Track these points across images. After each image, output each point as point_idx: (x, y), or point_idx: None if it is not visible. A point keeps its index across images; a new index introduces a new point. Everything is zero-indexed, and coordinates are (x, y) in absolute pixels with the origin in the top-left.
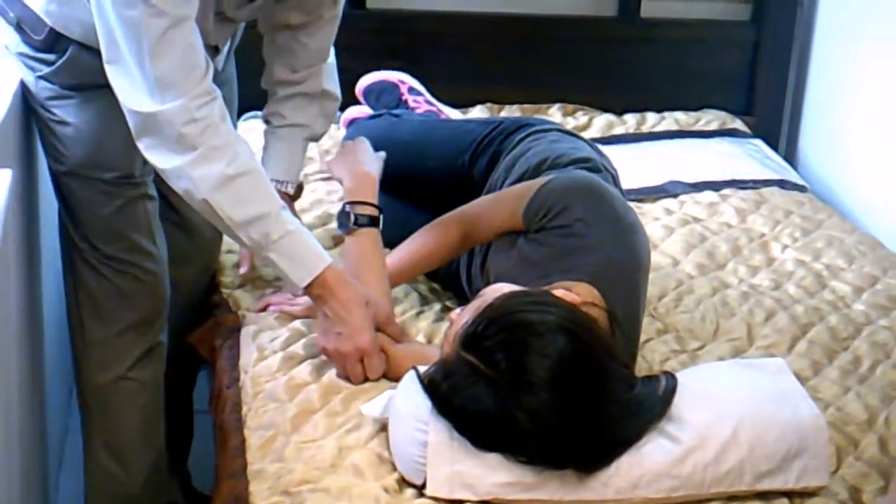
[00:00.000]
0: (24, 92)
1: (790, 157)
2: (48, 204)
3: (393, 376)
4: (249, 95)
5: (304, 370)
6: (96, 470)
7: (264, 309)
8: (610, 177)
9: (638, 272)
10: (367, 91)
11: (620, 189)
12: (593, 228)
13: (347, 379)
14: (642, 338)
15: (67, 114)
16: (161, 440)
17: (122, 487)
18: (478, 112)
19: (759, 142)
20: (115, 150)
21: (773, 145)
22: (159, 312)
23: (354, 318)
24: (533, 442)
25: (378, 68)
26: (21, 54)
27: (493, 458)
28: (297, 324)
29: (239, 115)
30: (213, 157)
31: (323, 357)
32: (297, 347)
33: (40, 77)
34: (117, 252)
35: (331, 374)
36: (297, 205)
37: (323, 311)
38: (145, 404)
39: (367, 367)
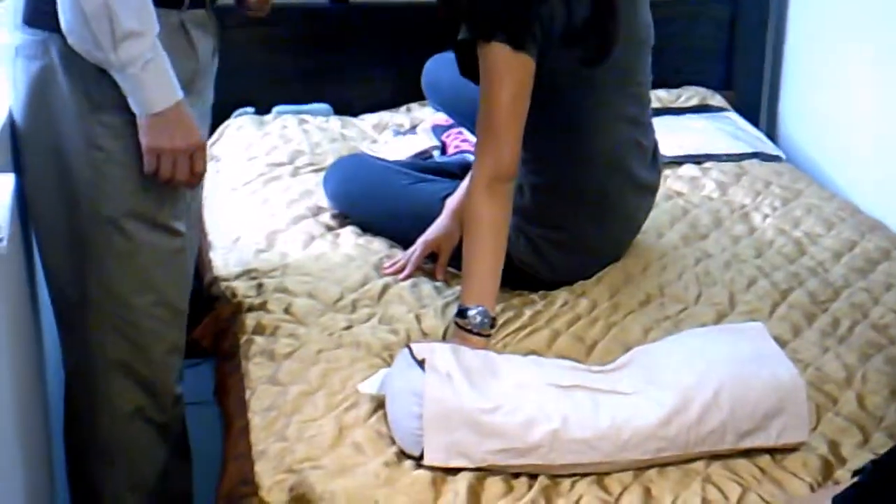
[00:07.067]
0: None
1: (771, 129)
2: None
3: None
4: (239, 91)
5: (304, 353)
6: None
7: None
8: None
9: None
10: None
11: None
12: None
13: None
14: (625, 310)
15: (121, 149)
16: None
17: None
18: None
19: (732, 115)
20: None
21: (754, 118)
22: (178, 363)
23: (188, 122)
24: None
25: (366, 64)
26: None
27: (487, 427)
28: (295, 308)
29: (231, 111)
30: None
31: (323, 345)
32: (296, 331)
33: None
34: (147, 307)
35: (328, 357)
36: (287, 195)
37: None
38: (175, 443)
39: (196, 163)
